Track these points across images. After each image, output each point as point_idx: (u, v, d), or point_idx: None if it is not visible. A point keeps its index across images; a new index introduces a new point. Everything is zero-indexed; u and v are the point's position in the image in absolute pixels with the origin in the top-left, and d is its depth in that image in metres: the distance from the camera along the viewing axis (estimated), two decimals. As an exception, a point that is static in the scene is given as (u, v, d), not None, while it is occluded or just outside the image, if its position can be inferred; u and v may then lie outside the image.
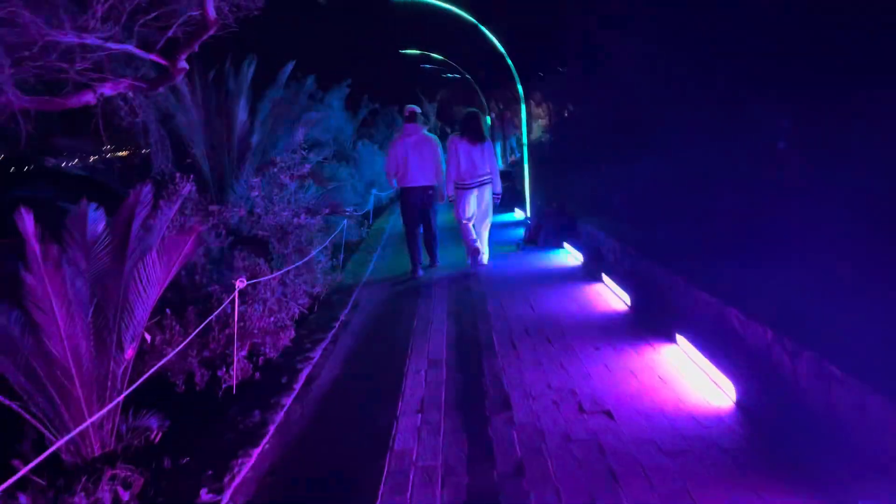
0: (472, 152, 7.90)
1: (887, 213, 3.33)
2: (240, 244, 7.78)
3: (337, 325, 6.16)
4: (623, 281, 6.16)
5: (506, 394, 4.06)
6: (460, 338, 5.37)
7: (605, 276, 6.61)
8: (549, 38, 9.06)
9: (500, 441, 3.44)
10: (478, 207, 8.10)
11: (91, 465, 3.69)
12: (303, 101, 10.30)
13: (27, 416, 3.66)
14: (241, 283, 4.90)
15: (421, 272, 8.17)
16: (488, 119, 14.92)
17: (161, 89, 7.39)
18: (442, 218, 9.08)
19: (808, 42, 4.10)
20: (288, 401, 4.36)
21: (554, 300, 6.25)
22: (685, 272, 5.08)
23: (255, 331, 5.48)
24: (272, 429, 3.94)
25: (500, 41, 8.95)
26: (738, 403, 3.58)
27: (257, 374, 4.96)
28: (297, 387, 4.62)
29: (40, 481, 3.41)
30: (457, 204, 8.09)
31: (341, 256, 9.37)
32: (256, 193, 7.71)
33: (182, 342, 4.68)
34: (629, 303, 5.75)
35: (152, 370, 3.87)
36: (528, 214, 9.37)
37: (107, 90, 6.71)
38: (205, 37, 5.90)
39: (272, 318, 5.77)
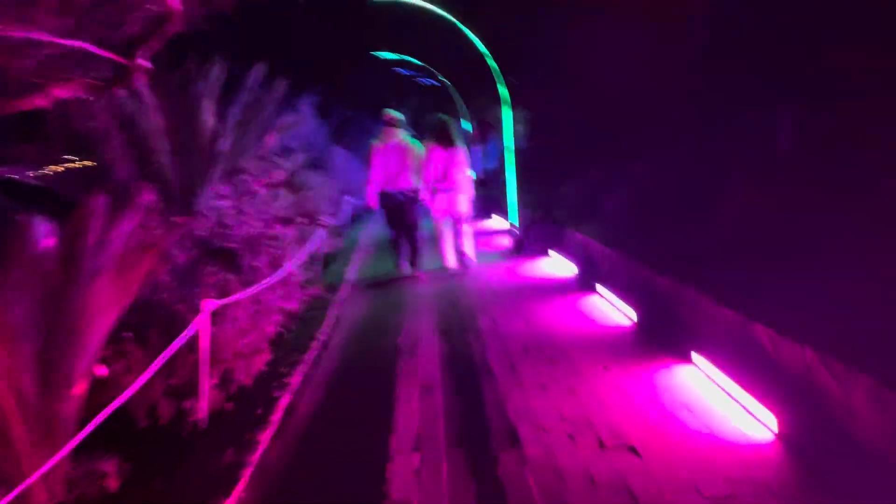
0: (445, 157, 7.99)
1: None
2: (208, 257, 7.25)
3: (317, 345, 5.67)
4: (623, 292, 5.76)
5: (512, 425, 3.61)
6: (453, 358, 4.91)
7: (600, 287, 6.21)
8: (533, 38, 8.70)
9: (514, 485, 2.99)
10: (454, 210, 8.17)
11: (35, 523, 3.17)
12: (274, 106, 9.77)
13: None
14: (209, 305, 4.39)
15: (406, 273, 8.29)
16: (469, 126, 14.54)
17: (121, 92, 6.86)
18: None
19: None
20: (265, 437, 3.86)
21: (549, 314, 5.83)
22: (697, 282, 4.68)
23: (227, 355, 4.97)
24: (247, 473, 3.44)
25: (482, 42, 8.55)
26: (781, 437, 3.17)
27: (229, 405, 4.46)
28: (275, 419, 4.13)
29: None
30: (433, 208, 8.19)
31: (318, 268, 8.86)
32: (226, 203, 7.19)
33: (143, 371, 4.18)
34: (633, 317, 5.35)
35: (109, 409, 3.36)
36: (514, 222, 8.95)
37: (60, 92, 6.17)
38: (169, 32, 5.40)
39: (245, 340, 5.26)
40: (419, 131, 10.29)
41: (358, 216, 17.08)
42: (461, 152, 8.12)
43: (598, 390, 3.95)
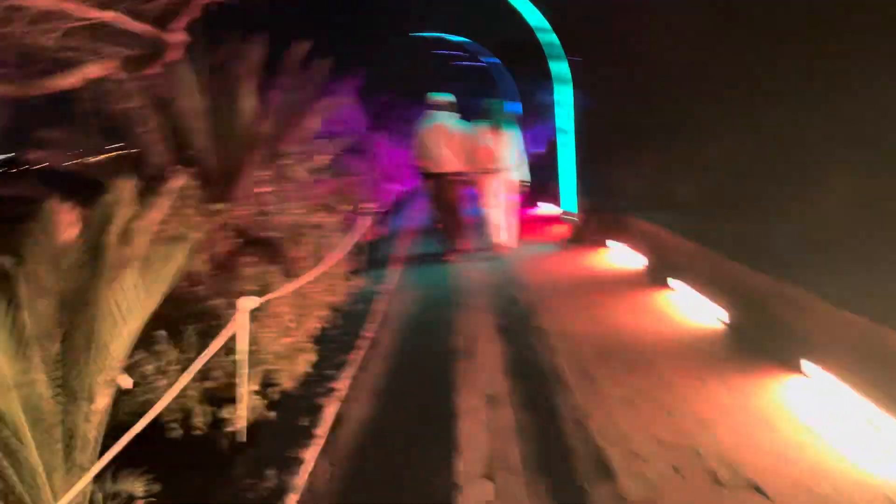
0: (494, 140, 8.05)
1: None
2: (249, 247, 6.84)
3: (364, 344, 5.20)
4: (707, 289, 5.15)
5: (601, 451, 3.07)
6: (518, 363, 4.38)
7: (675, 282, 5.61)
8: (600, 9, 8.06)
9: (614, 533, 2.46)
10: (503, 193, 8.25)
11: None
12: (315, 88, 9.30)
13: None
14: (248, 303, 3.92)
15: (453, 249, 8.34)
16: (519, 107, 13.93)
17: (157, 70, 6.45)
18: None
19: None
20: (310, 455, 3.39)
21: (621, 312, 5.26)
22: (803, 280, 4.06)
23: (268, 356, 4.52)
24: (292, 501, 2.97)
25: (543, 15, 7.94)
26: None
27: (270, 414, 4.00)
28: (322, 433, 3.66)
29: None
30: (482, 190, 8.30)
31: (363, 258, 8.39)
32: (266, 189, 6.74)
33: (178, 374, 3.76)
34: (723, 317, 4.74)
35: (139, 425, 2.93)
36: (571, 209, 8.36)
37: (92, 71, 5.76)
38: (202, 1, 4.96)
39: (287, 339, 4.81)
40: (465, 114, 10.06)
41: (400, 202, 16.62)
42: (510, 135, 8.17)
43: (697, 408, 3.38)
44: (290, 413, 3.94)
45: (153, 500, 3.09)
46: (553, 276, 6.84)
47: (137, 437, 3.04)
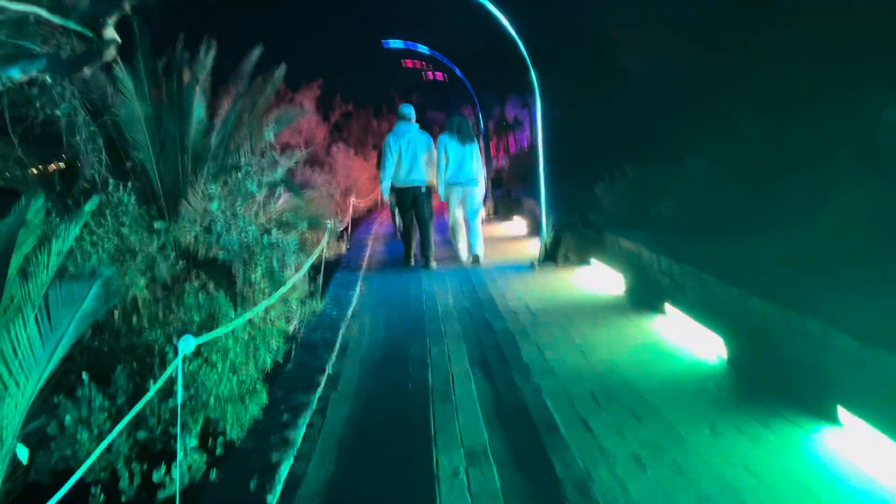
0: (460, 152, 8.21)
1: None
2: (195, 269, 6.20)
3: (323, 382, 4.61)
4: (700, 316, 4.69)
5: (612, 527, 2.55)
6: (500, 407, 3.84)
7: (662, 307, 5.14)
8: (568, 22, 7.66)
9: None
10: (469, 204, 8.38)
11: None
12: (272, 97, 8.68)
13: None
14: (186, 345, 3.32)
15: (413, 262, 8.58)
16: (482, 120, 13.49)
17: (89, 72, 5.79)
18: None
19: None
20: (260, 534, 2.80)
21: (611, 343, 4.76)
22: (814, 309, 3.62)
23: (212, 400, 3.90)
24: None
25: (510, 23, 7.48)
26: None
27: (212, 473, 3.39)
28: (274, 502, 3.06)
29: None
30: (448, 201, 8.44)
31: (320, 279, 7.78)
32: (215, 205, 6.12)
33: (105, 422, 3.17)
34: (721, 351, 4.28)
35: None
36: (545, 227, 7.89)
37: (15, 73, 5.10)
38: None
39: (235, 379, 4.19)
40: (429, 126, 10.02)
41: (361, 218, 16.01)
42: (475, 148, 8.35)
43: (716, 467, 2.88)
44: (236, 473, 3.34)
45: None
46: (528, 299, 6.34)
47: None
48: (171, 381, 3.69)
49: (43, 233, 2.90)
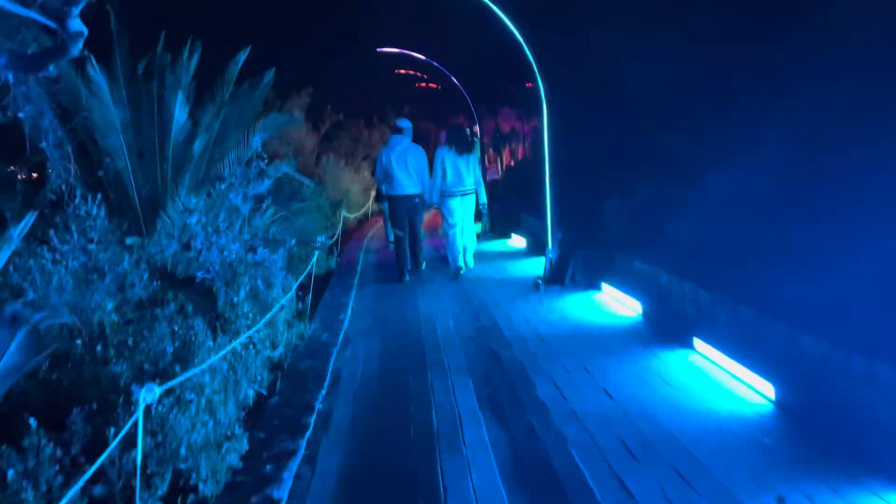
0: (457, 163, 8.26)
1: None
2: (173, 289, 5.65)
3: (312, 422, 4.06)
4: (737, 352, 4.19)
5: None
6: (519, 460, 3.31)
7: (700, 342, 4.64)
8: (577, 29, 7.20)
9: None
10: (463, 215, 8.45)
11: None
12: (259, 102, 8.14)
13: None
14: (147, 394, 2.78)
15: (408, 277, 8.44)
16: (478, 131, 13.02)
17: (55, 70, 5.24)
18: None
19: None
20: None
21: (637, 381, 4.25)
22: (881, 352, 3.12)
23: (182, 450, 3.35)
24: None
25: (516, 27, 7.00)
26: None
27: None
28: (253, 586, 2.52)
29: None
30: (443, 209, 8.51)
31: (309, 297, 7.22)
32: (195, 219, 5.58)
33: (56, 476, 2.64)
34: (769, 393, 3.77)
35: None
36: (550, 245, 7.40)
37: (-28, 70, 4.55)
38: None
39: (210, 423, 3.64)
40: (425, 137, 9.72)
41: (352, 231, 15.47)
42: (473, 159, 8.43)
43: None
44: (208, 543, 2.79)
45: None
46: (537, 324, 5.82)
47: None
48: (142, 421, 3.15)
49: None
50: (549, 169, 7.23)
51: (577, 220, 7.59)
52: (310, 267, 6.94)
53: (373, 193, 17.42)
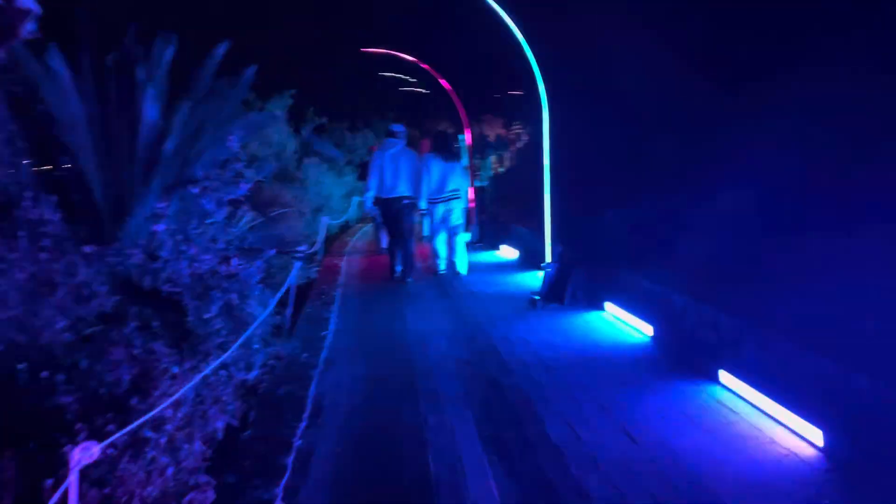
0: (443, 169, 8.35)
1: None
2: (137, 304, 5.09)
3: (290, 464, 3.53)
4: (777, 390, 3.72)
5: None
6: (534, 518, 2.81)
7: (727, 376, 4.16)
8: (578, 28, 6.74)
9: None
10: (448, 220, 8.51)
11: None
12: (238, 100, 7.57)
13: None
14: (82, 455, 2.25)
15: (399, 276, 8.65)
16: (466, 137, 12.56)
17: (3, 54, 4.67)
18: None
19: None
20: None
21: (660, 419, 3.76)
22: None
23: (135, 505, 2.81)
24: None
25: (519, 28, 6.53)
26: None
27: None
28: None
29: None
30: (429, 215, 8.62)
31: (288, 311, 6.68)
32: (163, 226, 5.02)
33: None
34: (816, 439, 3.31)
35: None
36: (549, 258, 6.92)
37: None
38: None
39: (171, 469, 3.10)
40: (414, 141, 9.49)
41: (334, 238, 14.90)
42: (459, 165, 8.60)
43: None
44: None
45: None
46: (538, 347, 5.33)
47: None
48: (83, 478, 2.60)
49: None
50: (549, 178, 6.75)
51: (577, 232, 7.12)
52: (290, 280, 6.38)
53: (356, 199, 16.86)
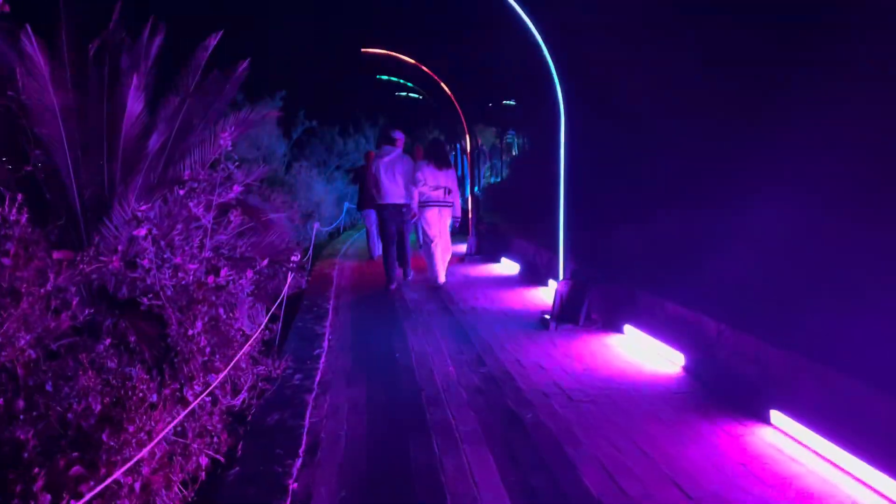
0: (436, 176, 8.33)
1: None
2: (113, 318, 4.56)
3: (286, 515, 3.01)
4: (843, 436, 3.26)
5: None
6: None
7: (780, 416, 3.69)
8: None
9: None
10: (439, 225, 8.50)
11: None
12: (230, 95, 7.04)
13: None
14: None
15: (394, 285, 8.59)
16: (460, 145, 12.13)
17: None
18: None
19: None
20: None
21: (715, 470, 3.26)
22: None
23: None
24: None
25: (540, 34, 6.07)
26: None
27: None
28: None
29: None
30: (421, 220, 8.50)
31: (278, 326, 6.16)
32: (144, 231, 4.49)
33: None
34: (890, 493, 2.85)
35: None
36: (561, 275, 6.45)
37: None
38: None
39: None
40: (409, 148, 9.50)
41: (323, 244, 14.36)
42: (453, 172, 8.60)
43: None
44: None
45: None
46: (557, 375, 4.85)
47: None
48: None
49: None
50: (564, 190, 6.28)
51: (592, 247, 6.66)
52: (283, 294, 5.87)
53: (346, 205, 16.35)
